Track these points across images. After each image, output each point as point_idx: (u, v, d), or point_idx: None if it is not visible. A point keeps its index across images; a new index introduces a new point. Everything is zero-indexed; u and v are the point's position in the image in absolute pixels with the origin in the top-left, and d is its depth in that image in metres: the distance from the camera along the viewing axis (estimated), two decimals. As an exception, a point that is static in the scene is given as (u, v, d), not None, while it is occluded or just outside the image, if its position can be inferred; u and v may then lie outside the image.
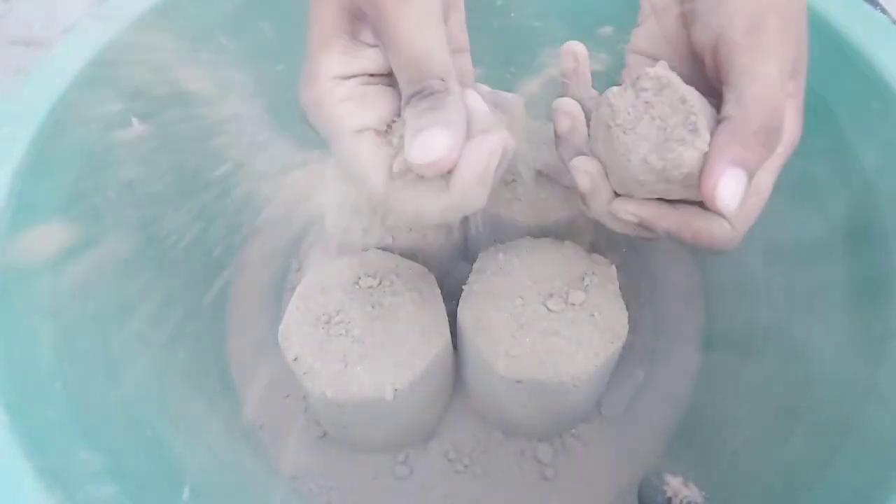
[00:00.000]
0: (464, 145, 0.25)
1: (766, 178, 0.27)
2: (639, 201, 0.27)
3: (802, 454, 0.32)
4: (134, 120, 0.37)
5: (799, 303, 0.37)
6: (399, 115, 0.26)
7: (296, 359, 0.34)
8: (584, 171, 0.28)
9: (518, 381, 0.33)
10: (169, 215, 0.41)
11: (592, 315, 0.34)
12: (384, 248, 0.38)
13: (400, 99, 0.26)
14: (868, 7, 0.34)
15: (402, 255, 0.37)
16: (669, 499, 0.32)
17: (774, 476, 0.33)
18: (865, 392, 0.30)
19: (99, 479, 0.27)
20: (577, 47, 0.29)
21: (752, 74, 0.24)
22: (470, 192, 0.25)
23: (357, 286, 0.36)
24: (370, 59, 0.26)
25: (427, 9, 0.24)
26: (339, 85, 0.26)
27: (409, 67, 0.24)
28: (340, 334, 0.34)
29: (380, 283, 0.36)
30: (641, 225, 0.27)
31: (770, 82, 0.24)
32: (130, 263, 0.37)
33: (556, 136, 0.29)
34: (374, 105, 0.26)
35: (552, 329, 0.33)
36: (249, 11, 0.41)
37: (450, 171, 0.25)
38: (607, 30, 0.39)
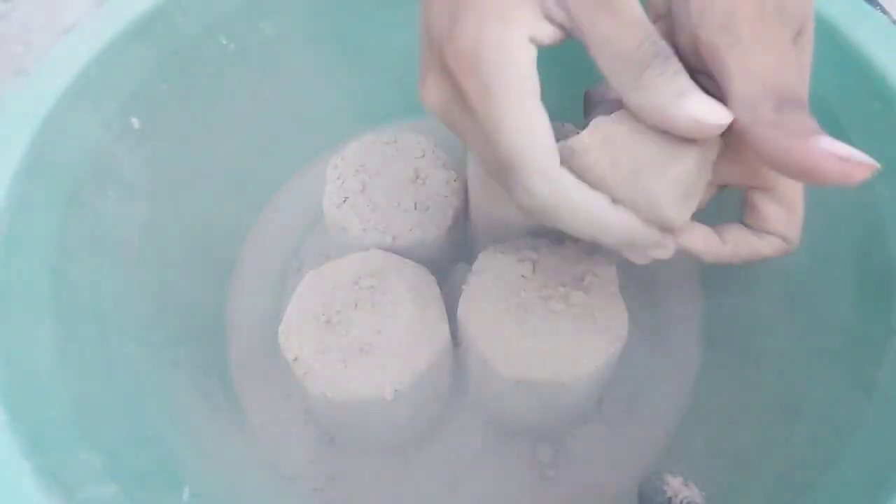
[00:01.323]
0: None
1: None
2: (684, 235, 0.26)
3: (803, 454, 0.32)
4: (134, 120, 0.37)
5: (799, 302, 0.37)
6: None
7: (296, 359, 0.34)
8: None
9: (518, 381, 0.33)
10: (169, 215, 0.41)
11: (592, 315, 0.34)
12: (384, 248, 0.38)
13: None
14: (868, 7, 0.34)
15: (402, 255, 0.37)
16: (669, 499, 0.32)
17: (775, 476, 0.33)
18: (865, 392, 0.30)
19: (99, 479, 0.27)
20: None
21: (738, 76, 0.22)
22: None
23: (357, 286, 0.36)
24: (550, 34, 0.23)
25: None
26: (530, 45, 0.22)
27: (637, 27, 0.21)
28: (340, 334, 0.34)
29: (380, 282, 0.36)
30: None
31: (760, 75, 0.22)
32: (130, 263, 0.37)
33: None
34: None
35: (552, 329, 0.33)
36: (249, 11, 0.41)
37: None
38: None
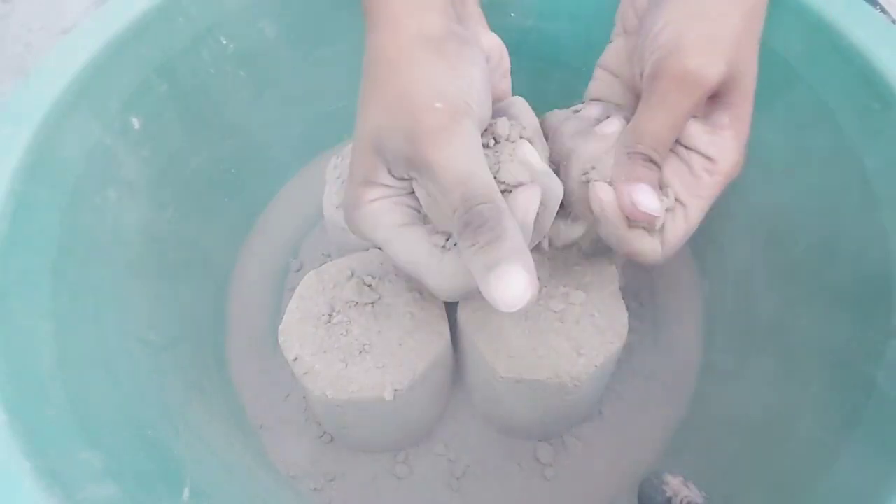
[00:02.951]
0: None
1: (696, 209, 0.28)
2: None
3: (802, 454, 0.32)
4: (134, 120, 0.37)
5: (799, 302, 0.37)
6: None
7: (296, 359, 0.34)
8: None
9: (518, 382, 0.33)
10: (169, 215, 0.41)
11: (592, 315, 0.34)
12: (384, 248, 0.37)
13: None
14: (868, 7, 0.34)
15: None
16: (669, 499, 0.32)
17: (774, 476, 0.33)
18: (866, 392, 0.30)
19: (99, 479, 0.27)
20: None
21: (636, 118, 0.28)
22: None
23: (357, 286, 0.36)
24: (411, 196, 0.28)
25: (467, 134, 0.25)
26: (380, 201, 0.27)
27: (454, 191, 0.24)
28: (340, 334, 0.34)
29: (380, 282, 0.36)
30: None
31: (643, 127, 0.28)
32: (130, 263, 0.37)
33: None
34: (407, 206, 0.28)
35: (552, 329, 0.33)
36: (249, 11, 0.41)
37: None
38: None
